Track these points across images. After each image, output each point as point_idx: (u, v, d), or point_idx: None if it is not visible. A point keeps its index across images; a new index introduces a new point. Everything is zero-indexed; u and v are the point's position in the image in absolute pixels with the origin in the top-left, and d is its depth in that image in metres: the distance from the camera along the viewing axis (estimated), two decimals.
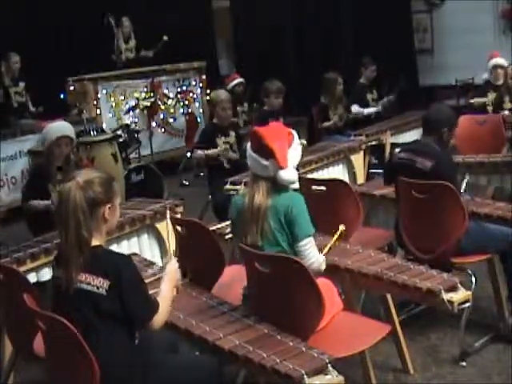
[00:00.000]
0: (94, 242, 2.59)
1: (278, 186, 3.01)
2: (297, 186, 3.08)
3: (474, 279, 3.67)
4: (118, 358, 2.52)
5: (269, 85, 6.65)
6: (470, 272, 3.72)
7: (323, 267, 3.10)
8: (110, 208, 2.62)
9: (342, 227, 3.33)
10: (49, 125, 4.79)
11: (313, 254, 3.03)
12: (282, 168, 2.96)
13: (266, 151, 2.98)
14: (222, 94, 5.98)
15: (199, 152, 5.75)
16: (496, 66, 7.08)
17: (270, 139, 2.99)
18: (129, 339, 2.58)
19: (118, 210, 2.73)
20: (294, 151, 3.06)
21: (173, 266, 2.85)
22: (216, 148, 5.70)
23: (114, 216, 2.68)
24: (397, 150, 4.11)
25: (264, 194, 3.00)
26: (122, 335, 2.56)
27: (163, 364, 2.61)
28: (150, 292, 3.27)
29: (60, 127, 4.79)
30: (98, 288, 2.51)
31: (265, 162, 2.98)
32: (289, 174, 2.98)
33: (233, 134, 5.87)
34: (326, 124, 7.18)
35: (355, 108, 7.69)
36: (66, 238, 2.55)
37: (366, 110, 7.74)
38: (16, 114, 8.21)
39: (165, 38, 9.14)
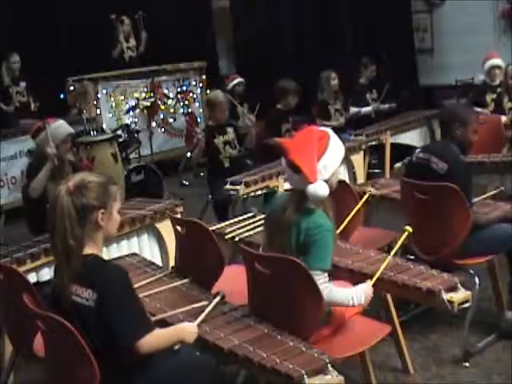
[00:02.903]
0: (88, 251, 2.50)
1: (309, 202, 2.87)
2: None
3: (477, 280, 3.66)
4: (116, 373, 2.47)
5: (286, 84, 6.64)
6: (472, 272, 3.71)
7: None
8: (103, 213, 2.50)
9: (408, 228, 3.20)
10: (55, 123, 4.72)
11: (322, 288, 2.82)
12: (310, 182, 2.82)
13: (293, 166, 2.86)
14: (220, 95, 6.00)
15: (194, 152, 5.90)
16: (494, 67, 7.10)
17: (295, 153, 2.85)
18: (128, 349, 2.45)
19: (116, 214, 2.59)
20: (329, 156, 2.89)
21: (191, 328, 2.68)
22: (216, 148, 5.76)
23: (110, 222, 2.55)
24: (417, 149, 4.10)
25: (294, 208, 2.87)
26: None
27: (163, 364, 2.59)
28: (148, 293, 3.31)
29: (66, 125, 4.81)
30: (87, 300, 2.42)
31: (295, 176, 2.89)
32: (316, 189, 2.81)
33: (230, 130, 5.91)
34: (328, 123, 7.17)
35: (352, 109, 7.73)
36: (54, 245, 2.50)
37: (364, 110, 7.77)
38: (17, 114, 8.22)
39: (144, 35, 9.13)
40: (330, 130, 3.01)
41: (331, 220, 2.91)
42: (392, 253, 3.28)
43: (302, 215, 2.86)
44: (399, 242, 3.27)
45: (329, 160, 2.90)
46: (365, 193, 4.25)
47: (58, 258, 2.52)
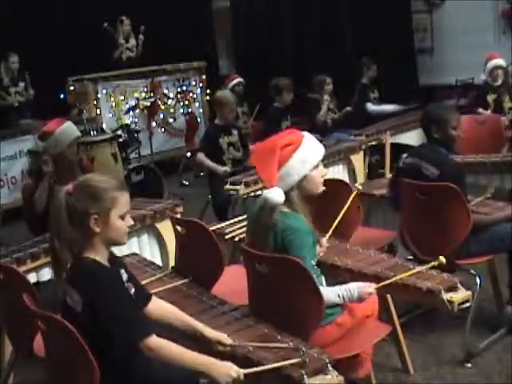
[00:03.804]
0: (86, 254, 2.45)
1: (283, 206, 2.90)
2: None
3: (478, 280, 3.65)
4: (115, 374, 2.45)
5: (279, 81, 6.64)
6: (473, 272, 3.70)
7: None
8: (96, 219, 2.40)
9: (442, 258, 3.06)
10: (60, 128, 4.51)
11: None
12: (267, 188, 2.86)
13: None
14: (229, 95, 6.00)
15: (203, 157, 5.76)
16: (496, 67, 7.11)
17: (256, 160, 2.95)
18: (126, 353, 2.42)
19: (117, 222, 2.46)
20: (294, 163, 2.89)
21: (230, 370, 2.41)
22: (220, 148, 5.74)
23: (107, 228, 2.43)
24: (404, 155, 4.06)
25: (268, 212, 2.87)
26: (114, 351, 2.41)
27: (162, 363, 2.58)
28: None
29: (71, 128, 4.65)
30: (75, 303, 2.39)
31: None
32: (269, 195, 2.83)
33: (235, 132, 5.91)
34: (320, 114, 7.17)
35: (370, 107, 7.72)
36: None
37: (381, 108, 7.77)
38: (17, 114, 8.23)
39: (141, 36, 9.14)
40: (305, 134, 3.01)
41: (308, 223, 2.93)
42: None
43: (278, 218, 2.88)
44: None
45: (293, 167, 2.90)
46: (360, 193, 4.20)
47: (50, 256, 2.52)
